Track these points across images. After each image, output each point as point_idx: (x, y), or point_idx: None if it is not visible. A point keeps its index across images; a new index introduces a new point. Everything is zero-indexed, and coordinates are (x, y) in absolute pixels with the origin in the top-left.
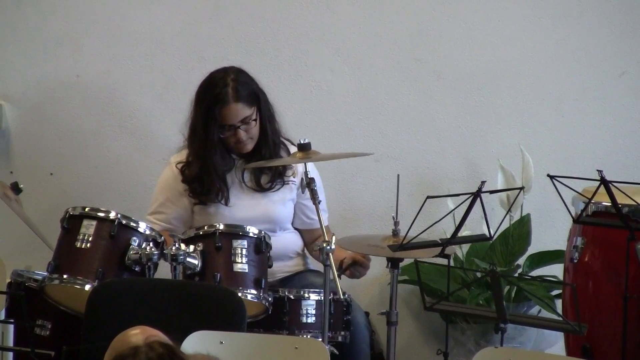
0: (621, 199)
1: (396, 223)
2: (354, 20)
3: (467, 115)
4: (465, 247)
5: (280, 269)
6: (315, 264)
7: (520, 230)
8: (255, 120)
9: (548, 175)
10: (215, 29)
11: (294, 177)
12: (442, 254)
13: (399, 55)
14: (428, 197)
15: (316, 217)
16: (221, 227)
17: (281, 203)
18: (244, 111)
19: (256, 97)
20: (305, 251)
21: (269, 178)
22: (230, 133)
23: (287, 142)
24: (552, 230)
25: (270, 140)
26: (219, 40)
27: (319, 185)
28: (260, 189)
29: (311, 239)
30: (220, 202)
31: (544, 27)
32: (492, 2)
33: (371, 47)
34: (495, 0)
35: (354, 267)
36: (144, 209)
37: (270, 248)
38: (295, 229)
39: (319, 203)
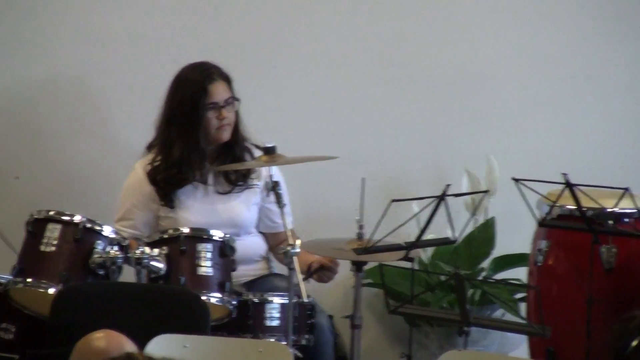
0: (586, 202)
1: (361, 226)
2: (323, 22)
3: (433, 119)
4: (430, 251)
5: (244, 272)
6: (280, 268)
7: (485, 234)
8: (234, 104)
9: (513, 179)
10: (187, 32)
11: (258, 181)
12: (406, 257)
13: (367, 58)
14: (393, 201)
15: (280, 221)
16: (186, 230)
17: (245, 207)
18: (228, 91)
19: (232, 85)
20: (270, 255)
21: (233, 181)
22: (215, 113)
23: (251, 147)
24: (517, 234)
25: (240, 137)
26: (189, 44)
27: (284, 189)
28: (224, 192)
29: (276, 243)
30: (199, 181)
31: (510, 32)
32: (460, 9)
33: (339, 50)
34: (463, 7)
35: (322, 272)
36: (110, 213)
37: (235, 252)
38: (260, 232)
39: (284, 207)
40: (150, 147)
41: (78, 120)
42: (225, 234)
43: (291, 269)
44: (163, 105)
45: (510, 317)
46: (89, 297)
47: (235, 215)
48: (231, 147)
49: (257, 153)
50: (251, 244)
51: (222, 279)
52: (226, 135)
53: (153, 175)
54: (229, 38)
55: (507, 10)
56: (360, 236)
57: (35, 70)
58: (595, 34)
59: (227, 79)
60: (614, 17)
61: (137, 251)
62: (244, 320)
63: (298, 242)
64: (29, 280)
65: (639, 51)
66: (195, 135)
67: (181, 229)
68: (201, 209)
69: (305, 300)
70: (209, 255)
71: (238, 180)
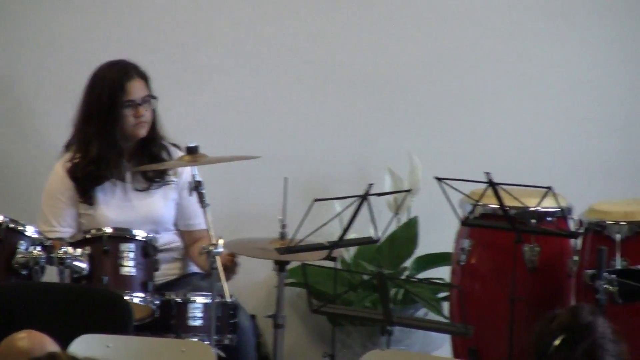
0: (509, 201)
1: (283, 226)
2: (243, 21)
3: (356, 118)
4: (353, 250)
5: (164, 271)
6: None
7: (408, 233)
8: (151, 102)
9: (436, 178)
10: (105, 31)
11: (175, 177)
12: (329, 257)
13: (289, 57)
14: (315, 200)
15: (197, 220)
16: (109, 230)
17: (163, 203)
18: (145, 89)
19: (149, 83)
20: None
21: (151, 178)
22: (132, 111)
23: (168, 145)
24: (440, 233)
25: (157, 135)
26: (108, 43)
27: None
28: (142, 189)
29: (191, 241)
30: (117, 178)
31: (432, 32)
32: (382, 9)
33: (261, 48)
34: (384, 6)
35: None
36: (32, 213)
37: (158, 251)
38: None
39: (207, 207)
40: (68, 146)
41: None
42: (148, 233)
43: (213, 269)
44: (80, 103)
45: (433, 316)
46: (11, 298)
47: (153, 211)
48: (148, 145)
49: (175, 151)
50: (171, 241)
51: (145, 278)
52: (143, 132)
53: (73, 172)
54: (147, 37)
55: (427, 10)
56: (283, 236)
57: None
58: (519, 32)
59: (144, 77)
60: (535, 14)
61: (60, 251)
62: (167, 320)
63: (221, 241)
64: None
65: (562, 49)
66: (112, 133)
67: (104, 229)
68: (119, 205)
69: (228, 300)
70: (131, 255)
71: (155, 177)
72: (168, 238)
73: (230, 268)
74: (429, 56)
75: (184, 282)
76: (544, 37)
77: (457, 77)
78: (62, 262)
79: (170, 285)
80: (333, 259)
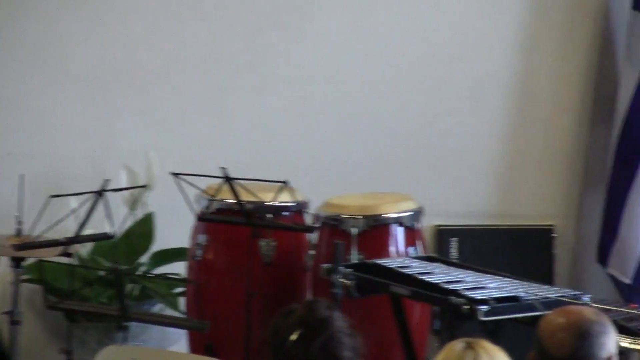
0: (245, 196)
1: (19, 222)
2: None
3: (93, 115)
4: (90, 246)
5: None
6: None
7: (144, 229)
8: None
9: (171, 173)
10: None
11: None
12: (65, 253)
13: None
14: (51, 197)
15: None
16: None
17: None
18: None
19: None
20: None
21: None
22: None
23: None
24: (177, 228)
25: None
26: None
27: None
28: None
29: None
30: None
31: (167, 30)
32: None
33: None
34: (128, 7)
35: None
36: None
37: None
38: None
39: None
40: None
41: None
42: None
43: None
44: None
45: (170, 311)
46: None
47: None
48: None
49: None
50: None
51: None
52: None
53: None
54: None
55: (163, 14)
56: (19, 232)
57: None
58: (248, 31)
59: None
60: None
61: None
62: None
63: None
64: None
65: (293, 45)
66: None
67: None
68: None
69: None
70: None
71: None
72: None
73: None
74: (160, 55)
75: None
76: (271, 34)
77: (193, 74)
78: None
79: None
80: (69, 255)
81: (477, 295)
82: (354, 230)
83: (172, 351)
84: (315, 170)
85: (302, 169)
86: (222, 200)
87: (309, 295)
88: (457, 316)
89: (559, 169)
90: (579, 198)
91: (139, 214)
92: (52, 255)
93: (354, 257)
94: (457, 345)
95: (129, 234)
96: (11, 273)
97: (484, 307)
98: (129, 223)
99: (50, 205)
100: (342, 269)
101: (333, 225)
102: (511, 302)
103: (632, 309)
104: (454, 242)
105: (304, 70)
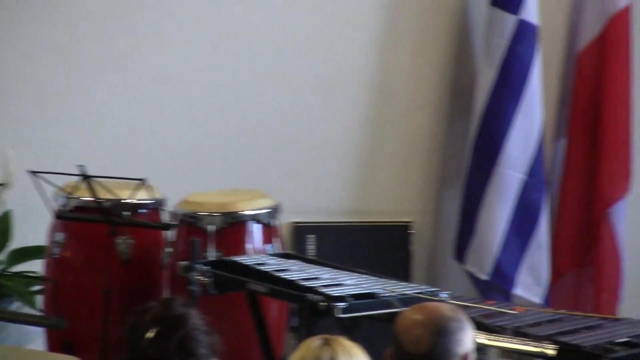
0: (102, 194)
1: None
2: None
3: None
4: None
5: None
6: None
7: (1, 227)
8: None
9: (29, 171)
10: None
11: None
12: None
13: None
14: None
15: None
16: None
17: None
18: None
19: None
20: None
21: None
22: None
23: None
24: (35, 226)
25: None
26: None
27: None
28: None
29: None
30: None
31: (21, 30)
32: None
33: None
34: None
35: None
36: None
37: None
38: None
39: None
40: None
41: None
42: None
43: None
44: None
45: (28, 309)
46: None
47: None
48: None
49: None
50: None
51: None
52: None
53: None
54: None
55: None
56: None
57: None
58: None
59: None
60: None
61: None
62: None
63: None
64: None
65: (141, 43)
66: None
67: None
68: None
69: None
70: None
71: None
72: None
73: None
74: (18, 52)
75: None
76: (121, 28)
77: (47, 71)
78: None
79: None
80: None
81: (335, 292)
82: (210, 228)
83: (29, 349)
84: (174, 168)
85: (161, 166)
86: (79, 198)
87: (166, 293)
88: (314, 313)
89: (416, 165)
90: (436, 194)
91: None
92: None
93: (211, 254)
94: (314, 342)
95: None
96: None
97: (341, 304)
98: None
99: None
100: (199, 266)
101: (190, 223)
102: (368, 299)
103: (490, 305)
104: (311, 239)
105: (157, 68)
